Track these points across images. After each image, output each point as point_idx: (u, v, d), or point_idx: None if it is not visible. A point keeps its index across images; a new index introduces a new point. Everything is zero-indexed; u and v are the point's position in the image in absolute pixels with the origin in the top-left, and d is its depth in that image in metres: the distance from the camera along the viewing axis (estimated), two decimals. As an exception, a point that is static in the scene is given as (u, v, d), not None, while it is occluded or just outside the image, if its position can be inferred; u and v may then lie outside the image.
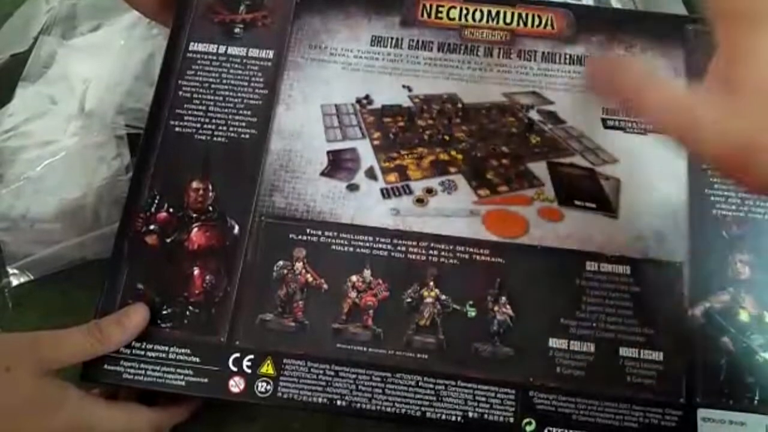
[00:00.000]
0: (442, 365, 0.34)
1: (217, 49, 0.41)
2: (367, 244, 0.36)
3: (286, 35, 0.41)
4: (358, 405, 0.34)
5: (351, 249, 0.36)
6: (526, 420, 0.33)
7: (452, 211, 0.37)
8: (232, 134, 0.39)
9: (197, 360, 0.34)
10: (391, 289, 0.35)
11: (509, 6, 0.42)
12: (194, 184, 0.38)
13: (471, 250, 0.36)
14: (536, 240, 0.36)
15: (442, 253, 0.36)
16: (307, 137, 0.39)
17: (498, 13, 0.42)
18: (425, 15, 0.42)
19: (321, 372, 0.34)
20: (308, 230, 0.37)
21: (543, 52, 0.41)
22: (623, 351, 0.34)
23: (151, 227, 0.37)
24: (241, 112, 0.39)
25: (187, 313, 0.35)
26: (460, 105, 0.40)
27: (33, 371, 0.32)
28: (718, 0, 0.24)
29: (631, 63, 0.28)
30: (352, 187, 0.38)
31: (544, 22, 0.41)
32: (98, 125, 0.44)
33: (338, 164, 0.38)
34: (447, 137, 0.39)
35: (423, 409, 0.33)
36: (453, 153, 0.39)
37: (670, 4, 0.49)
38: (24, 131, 0.44)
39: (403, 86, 0.40)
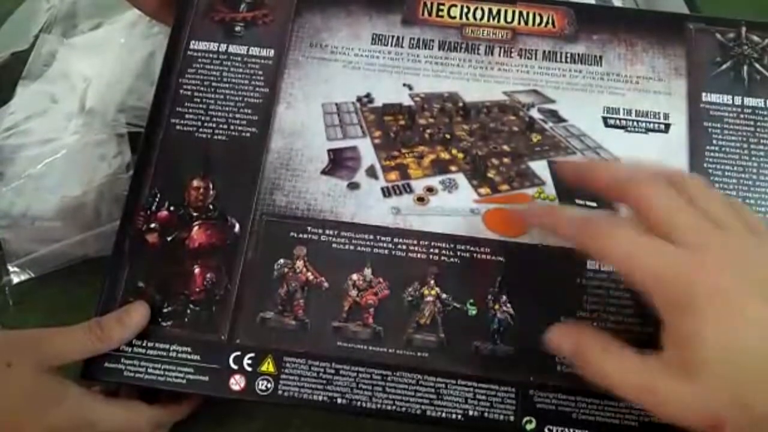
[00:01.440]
0: (443, 363, 0.34)
1: (218, 47, 0.41)
2: (368, 243, 0.36)
3: (286, 33, 0.41)
4: (359, 403, 0.34)
5: (352, 247, 0.36)
6: (527, 418, 0.33)
7: (453, 210, 0.37)
8: (233, 132, 0.39)
9: (198, 358, 0.35)
10: (392, 287, 0.35)
11: (510, 4, 0.42)
12: (195, 183, 0.38)
13: (472, 248, 0.36)
14: (537, 239, 0.36)
15: (443, 252, 0.36)
16: (308, 136, 0.39)
17: (499, 11, 0.42)
18: (426, 13, 0.42)
19: (321, 370, 0.34)
20: (309, 228, 0.37)
21: (544, 51, 0.41)
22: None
23: (152, 225, 0.37)
24: (241, 110, 0.39)
25: (188, 311, 0.36)
26: (460, 103, 0.40)
27: (34, 368, 0.32)
28: (662, 291, 0.26)
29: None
30: (353, 186, 0.38)
31: (545, 20, 0.41)
32: (99, 123, 0.44)
33: (339, 163, 0.38)
34: (448, 136, 0.39)
35: (423, 407, 0.34)
36: (454, 151, 0.39)
37: (672, 3, 0.49)
38: (25, 129, 0.44)
39: (404, 85, 0.40)
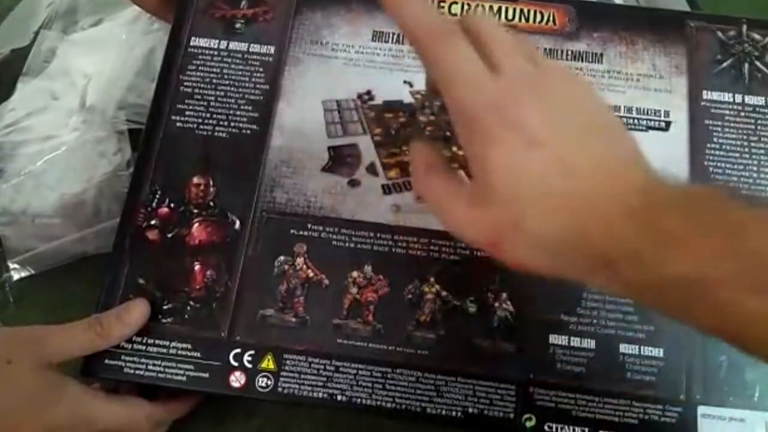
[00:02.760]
0: (443, 361, 0.34)
1: (219, 44, 0.41)
2: (368, 240, 0.36)
3: (287, 30, 0.41)
4: (359, 400, 0.34)
5: (352, 245, 0.36)
6: (527, 416, 0.33)
7: (453, 207, 0.37)
8: (234, 129, 0.39)
9: (198, 355, 0.35)
10: (392, 284, 0.35)
11: (511, 2, 0.42)
12: (195, 180, 0.38)
13: (472, 246, 0.36)
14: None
15: (443, 249, 0.36)
16: (309, 133, 0.39)
17: (500, 8, 0.42)
18: (427, 11, 0.42)
19: (321, 367, 0.34)
20: (309, 226, 0.37)
21: (545, 48, 0.41)
22: (623, 348, 0.34)
23: (152, 222, 0.37)
24: (242, 107, 0.39)
25: (188, 308, 0.36)
26: (461, 101, 0.40)
27: (34, 365, 0.32)
28: (460, 110, 0.26)
29: None
30: (353, 183, 0.38)
31: (546, 18, 0.41)
32: (99, 120, 0.44)
33: (339, 160, 0.38)
34: (448, 133, 0.39)
35: (423, 404, 0.34)
36: (454, 149, 0.39)
37: (673, 1, 0.49)
38: (25, 126, 0.44)
39: (405, 82, 0.40)
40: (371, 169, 0.38)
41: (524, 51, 0.27)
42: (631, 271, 0.23)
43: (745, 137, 0.38)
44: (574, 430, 0.33)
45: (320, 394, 0.34)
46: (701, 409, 0.33)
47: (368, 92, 0.40)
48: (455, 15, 0.42)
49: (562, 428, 0.33)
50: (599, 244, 0.24)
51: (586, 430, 0.33)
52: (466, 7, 0.42)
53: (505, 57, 0.26)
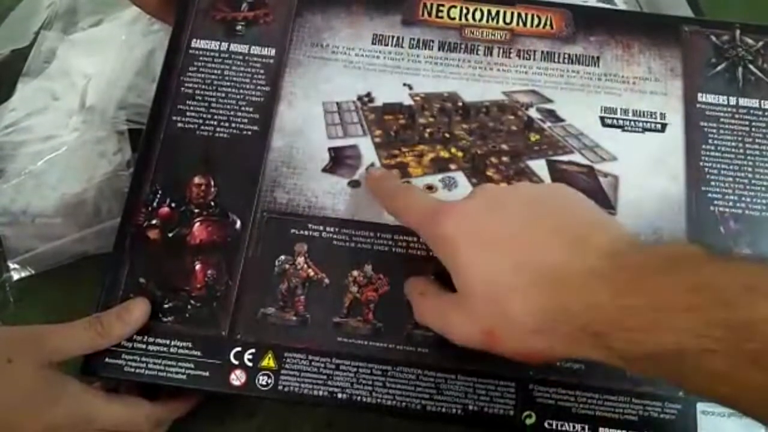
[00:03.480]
0: (443, 359, 0.34)
1: (219, 46, 0.41)
2: (368, 240, 0.37)
3: (287, 33, 0.41)
4: (359, 398, 0.34)
5: (352, 244, 0.36)
6: (526, 413, 0.33)
7: (453, 208, 0.37)
8: (234, 130, 0.39)
9: (198, 354, 0.35)
10: (392, 283, 0.36)
11: (509, 6, 0.42)
12: (196, 180, 0.38)
13: (471, 245, 0.36)
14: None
15: (443, 249, 0.36)
16: (309, 134, 0.39)
17: (498, 12, 0.42)
18: (426, 14, 0.42)
19: (322, 365, 0.34)
20: (310, 225, 0.37)
21: (542, 52, 0.41)
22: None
23: (153, 222, 0.37)
24: (243, 108, 0.39)
25: (189, 307, 0.36)
26: (460, 103, 0.40)
27: (34, 364, 0.32)
28: (427, 228, 0.30)
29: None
30: (354, 184, 0.38)
31: (543, 22, 0.42)
32: (99, 120, 0.44)
33: (340, 161, 0.39)
34: (447, 135, 0.40)
35: (423, 402, 0.34)
36: (453, 150, 0.39)
37: (675, 7, 0.49)
38: (25, 126, 0.44)
39: (404, 84, 0.41)
40: (371, 170, 0.38)
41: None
42: (620, 343, 0.24)
43: (739, 139, 0.39)
44: (573, 427, 0.33)
45: (321, 393, 0.34)
46: (701, 406, 0.33)
47: (368, 94, 0.40)
48: (453, 19, 0.42)
49: (561, 425, 0.33)
50: (580, 315, 0.24)
51: (586, 427, 0.33)
52: (464, 11, 0.42)
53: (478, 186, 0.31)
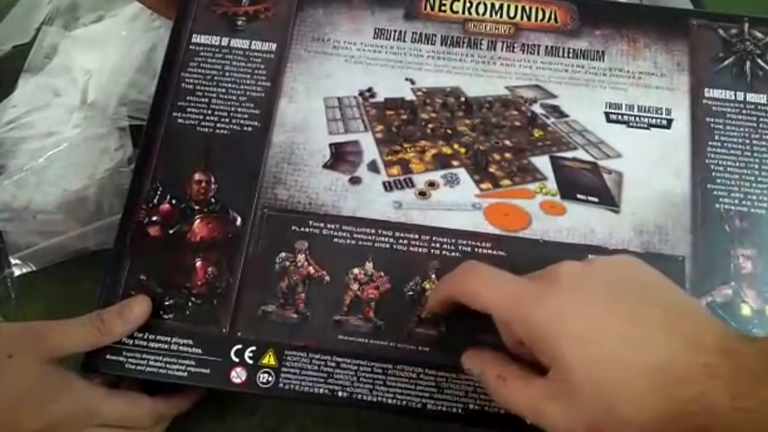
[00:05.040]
0: (443, 357, 0.34)
1: (220, 41, 0.41)
2: (370, 237, 0.36)
3: (288, 28, 0.41)
4: (359, 396, 0.34)
5: (353, 241, 0.36)
6: (527, 412, 0.33)
7: (454, 205, 0.37)
8: (235, 126, 0.39)
9: (199, 351, 0.35)
10: (393, 281, 0.35)
11: (513, 0, 0.42)
12: (197, 176, 0.38)
13: (473, 243, 0.36)
14: (538, 234, 0.36)
15: (444, 246, 0.36)
16: (310, 130, 0.39)
17: (501, 6, 0.42)
18: (428, 8, 0.42)
19: (322, 363, 0.34)
20: (310, 222, 0.37)
21: (546, 46, 0.41)
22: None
23: (154, 219, 0.37)
24: (243, 104, 0.39)
25: (190, 304, 0.36)
26: (463, 98, 0.40)
27: (35, 359, 0.32)
28: (515, 316, 0.28)
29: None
30: (355, 180, 0.38)
31: (547, 15, 0.41)
32: (100, 117, 0.44)
33: (341, 157, 0.38)
34: (450, 130, 0.39)
35: (424, 400, 0.34)
36: (456, 146, 0.39)
37: (677, 0, 0.49)
38: (26, 122, 0.44)
39: (406, 79, 0.40)
40: (372, 167, 0.38)
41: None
42: None
43: (746, 135, 0.38)
44: (574, 426, 0.33)
45: (321, 390, 0.34)
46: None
47: (370, 89, 0.40)
48: (456, 12, 0.42)
49: (562, 425, 0.33)
50: (698, 417, 0.24)
51: (587, 426, 0.33)
52: (467, 4, 0.42)
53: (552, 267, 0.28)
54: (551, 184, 0.37)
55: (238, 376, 0.34)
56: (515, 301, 0.28)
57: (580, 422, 0.26)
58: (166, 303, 0.36)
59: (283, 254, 0.36)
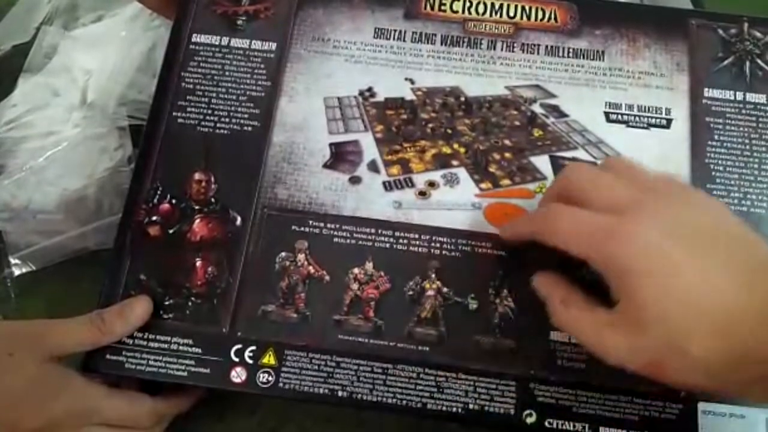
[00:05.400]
0: (443, 357, 0.34)
1: (220, 40, 0.41)
2: (369, 237, 0.36)
3: (289, 27, 0.41)
4: (359, 396, 0.34)
5: (353, 241, 0.36)
6: (527, 412, 0.33)
7: (454, 204, 0.37)
8: (235, 126, 0.39)
9: (199, 350, 0.35)
10: (393, 281, 0.35)
11: (513, -1, 0.42)
12: (196, 176, 0.38)
13: (473, 242, 0.36)
14: (538, 233, 0.36)
15: (444, 246, 0.36)
16: (310, 129, 0.39)
17: (501, 6, 0.42)
18: (428, 8, 0.42)
19: (322, 363, 0.34)
20: (310, 222, 0.37)
21: (546, 46, 0.41)
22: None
23: (154, 218, 0.37)
24: (243, 104, 0.39)
25: (189, 303, 0.36)
26: (462, 98, 0.40)
27: (36, 357, 0.32)
28: (598, 258, 0.28)
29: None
30: (355, 180, 0.38)
31: (547, 15, 0.41)
32: (100, 116, 0.44)
33: (341, 157, 0.38)
34: (449, 130, 0.39)
35: (424, 400, 0.34)
36: (455, 146, 0.39)
37: (676, 0, 0.49)
38: (26, 122, 0.44)
39: (406, 79, 0.40)
40: (372, 166, 0.38)
41: (630, 179, 0.30)
42: None
43: (746, 135, 0.38)
44: (574, 426, 0.33)
45: (321, 390, 0.34)
46: (702, 406, 0.33)
47: (370, 89, 0.40)
48: (456, 12, 0.42)
49: (562, 424, 0.33)
50: (758, 367, 0.25)
51: (587, 426, 0.33)
52: (467, 4, 0.42)
53: (616, 197, 0.29)
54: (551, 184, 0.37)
55: (238, 375, 0.34)
56: (597, 239, 0.28)
57: (643, 356, 0.27)
58: (166, 303, 0.36)
59: (283, 254, 0.36)
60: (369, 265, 0.36)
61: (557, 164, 0.38)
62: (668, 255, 0.26)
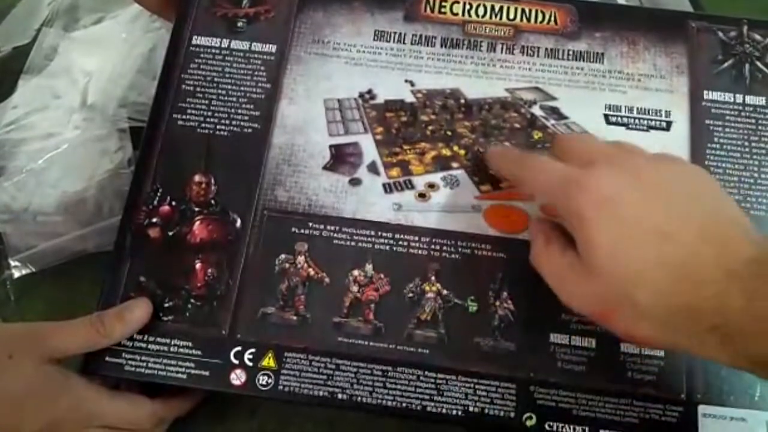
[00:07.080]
0: (443, 359, 0.34)
1: (220, 42, 0.41)
2: (369, 239, 0.36)
3: (289, 29, 0.41)
4: (359, 398, 0.34)
5: (353, 243, 0.36)
6: (527, 414, 0.33)
7: (454, 206, 0.37)
8: (235, 128, 0.39)
9: (199, 353, 0.35)
10: (393, 283, 0.35)
11: (513, 2, 0.42)
12: (196, 178, 0.38)
13: (473, 244, 0.36)
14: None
15: (444, 248, 0.36)
16: (310, 131, 0.39)
17: (501, 8, 0.42)
18: (428, 10, 0.42)
19: (322, 365, 0.34)
20: (310, 224, 0.37)
21: (546, 48, 0.41)
22: (624, 346, 0.34)
23: (154, 220, 0.37)
24: (243, 106, 0.39)
25: (189, 306, 0.36)
26: (462, 100, 0.40)
27: (35, 359, 0.32)
28: (560, 204, 0.29)
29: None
30: (355, 182, 0.38)
31: (547, 18, 0.41)
32: (100, 118, 0.44)
33: (341, 158, 0.38)
34: (449, 132, 0.39)
35: (423, 403, 0.34)
36: (455, 148, 0.39)
37: (675, 1, 0.49)
38: (26, 124, 0.44)
39: (406, 81, 0.40)
40: (372, 168, 0.38)
41: (618, 143, 0.31)
42: (743, 346, 0.24)
43: (745, 137, 0.38)
44: (574, 429, 0.33)
45: (321, 393, 0.34)
46: (702, 409, 0.33)
47: (369, 91, 0.40)
48: (456, 14, 0.42)
49: (562, 427, 0.33)
50: (710, 316, 0.24)
51: (587, 429, 0.33)
52: (467, 6, 0.42)
53: (593, 151, 0.30)
54: (551, 186, 0.37)
55: (237, 378, 0.34)
56: (559, 187, 0.29)
57: (594, 302, 0.27)
58: (166, 305, 0.36)
59: (282, 256, 0.36)
60: (369, 267, 0.36)
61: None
62: (623, 204, 0.27)
